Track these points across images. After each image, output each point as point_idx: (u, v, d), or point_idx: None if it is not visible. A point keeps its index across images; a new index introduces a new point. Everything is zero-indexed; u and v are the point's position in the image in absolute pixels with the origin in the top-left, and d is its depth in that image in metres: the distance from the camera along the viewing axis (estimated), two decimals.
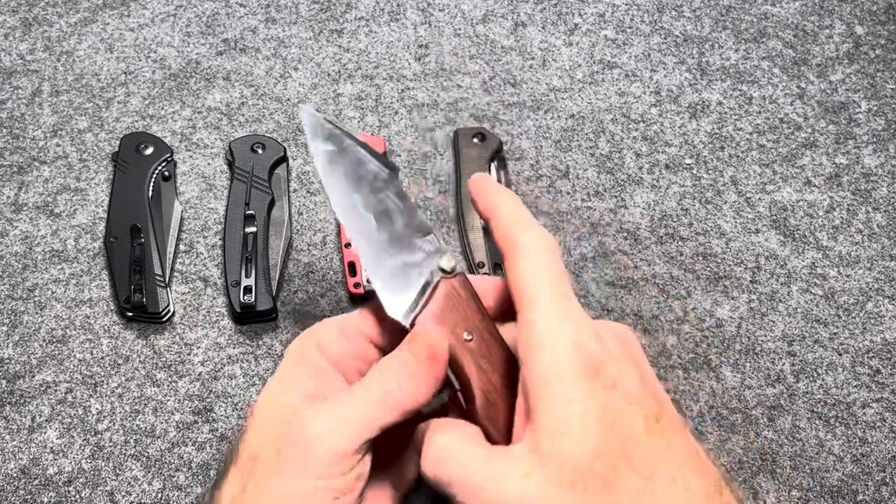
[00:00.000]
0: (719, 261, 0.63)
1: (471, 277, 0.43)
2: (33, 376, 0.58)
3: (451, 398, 0.44)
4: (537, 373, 0.36)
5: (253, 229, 0.62)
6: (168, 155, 0.65)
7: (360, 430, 0.38)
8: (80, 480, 0.54)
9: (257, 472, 0.38)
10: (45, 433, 0.56)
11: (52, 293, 0.61)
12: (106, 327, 0.60)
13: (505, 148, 0.68)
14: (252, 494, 0.38)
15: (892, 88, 0.72)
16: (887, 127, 0.70)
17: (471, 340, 0.41)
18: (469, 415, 0.40)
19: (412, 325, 0.41)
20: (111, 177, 0.65)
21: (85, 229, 0.64)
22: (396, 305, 0.41)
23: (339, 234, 0.63)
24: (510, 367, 0.41)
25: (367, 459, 0.39)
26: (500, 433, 0.39)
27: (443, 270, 0.42)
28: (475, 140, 0.66)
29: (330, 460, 0.37)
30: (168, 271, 0.61)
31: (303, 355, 0.42)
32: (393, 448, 0.44)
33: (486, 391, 0.40)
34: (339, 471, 0.37)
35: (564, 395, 0.35)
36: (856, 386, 0.59)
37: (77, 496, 0.54)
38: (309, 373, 0.41)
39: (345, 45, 0.73)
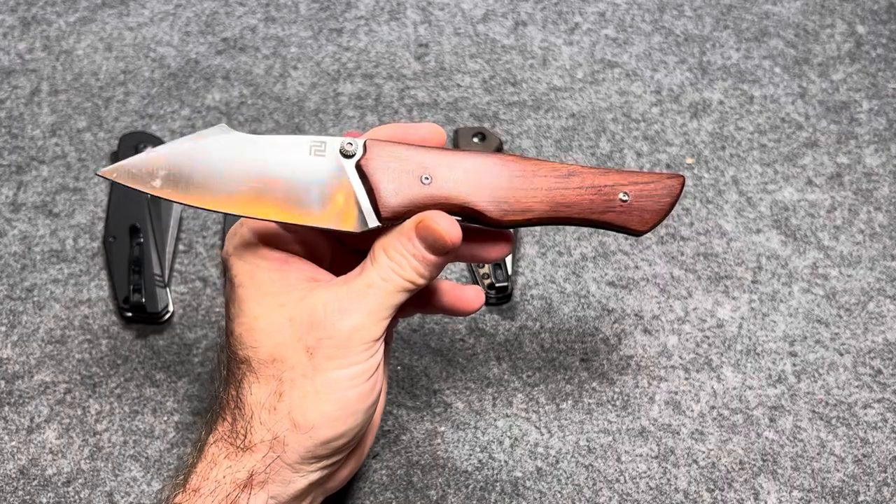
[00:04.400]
0: (720, 261, 0.63)
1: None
2: (32, 376, 0.58)
3: None
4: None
5: None
6: None
7: (385, 317, 0.42)
8: (79, 481, 0.54)
9: (289, 375, 0.42)
10: (43, 433, 0.56)
11: (51, 293, 0.61)
12: (105, 327, 0.60)
13: (505, 147, 0.68)
14: (293, 396, 0.41)
15: (893, 88, 0.72)
16: (889, 126, 0.70)
17: (430, 180, 0.42)
18: None
19: (382, 219, 0.42)
20: None
21: (84, 229, 0.63)
22: (356, 221, 0.42)
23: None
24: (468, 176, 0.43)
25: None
26: None
27: (349, 155, 0.42)
28: (475, 139, 0.66)
29: (365, 348, 0.42)
30: (167, 271, 0.61)
31: (252, 252, 0.43)
32: None
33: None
34: (372, 353, 0.42)
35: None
36: (857, 386, 0.58)
37: (76, 497, 0.54)
38: (273, 266, 0.43)
39: (344, 44, 0.73)
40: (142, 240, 0.61)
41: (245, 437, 0.42)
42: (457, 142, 0.67)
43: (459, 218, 0.43)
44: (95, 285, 0.61)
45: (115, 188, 0.63)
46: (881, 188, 0.67)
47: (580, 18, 0.75)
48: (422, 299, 0.47)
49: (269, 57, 0.72)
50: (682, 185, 0.45)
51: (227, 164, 0.41)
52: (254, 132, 0.68)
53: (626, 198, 0.44)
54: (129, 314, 0.59)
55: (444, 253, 0.42)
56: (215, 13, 0.75)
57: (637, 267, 0.63)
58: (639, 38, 0.74)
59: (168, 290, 0.60)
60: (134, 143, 0.65)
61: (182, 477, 0.43)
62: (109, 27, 0.73)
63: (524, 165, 0.43)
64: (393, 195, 0.42)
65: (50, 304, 0.60)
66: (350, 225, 0.42)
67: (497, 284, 0.60)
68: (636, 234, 0.45)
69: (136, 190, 0.41)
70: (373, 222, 0.42)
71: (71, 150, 0.67)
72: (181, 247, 0.63)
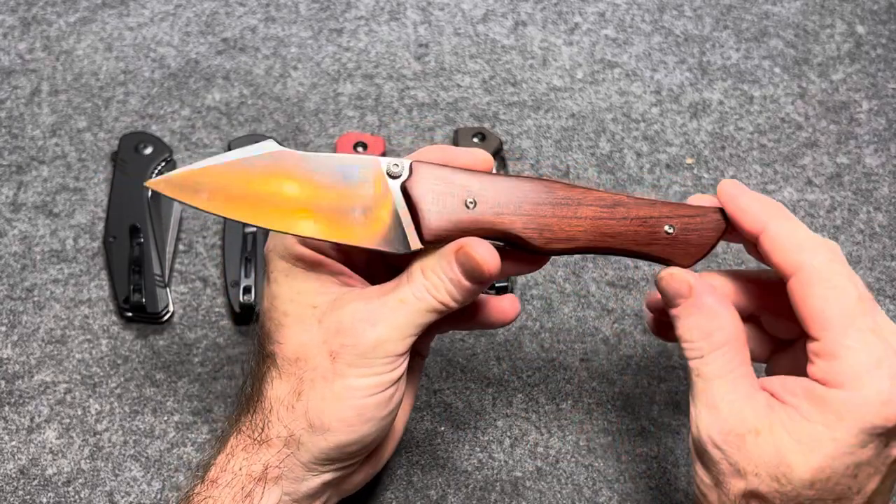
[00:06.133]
0: (720, 260, 0.63)
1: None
2: (32, 376, 0.58)
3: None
4: (837, 407, 0.38)
5: (253, 229, 0.61)
6: (167, 154, 0.65)
7: (412, 334, 0.42)
8: (80, 481, 0.54)
9: (310, 375, 0.42)
10: (44, 433, 0.56)
11: (51, 293, 0.61)
12: (105, 327, 0.60)
13: (505, 147, 0.68)
14: (311, 397, 0.42)
15: (893, 88, 0.72)
16: (888, 126, 0.70)
17: (474, 205, 0.42)
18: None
19: (425, 242, 0.42)
20: (110, 176, 0.65)
21: (84, 229, 0.63)
22: (398, 243, 0.42)
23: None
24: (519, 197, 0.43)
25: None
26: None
27: (395, 176, 0.42)
28: (475, 139, 0.66)
29: (387, 361, 0.42)
30: (167, 271, 0.61)
31: (291, 252, 0.44)
32: None
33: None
34: (394, 366, 0.42)
35: (840, 446, 0.38)
36: None
37: (76, 496, 0.54)
38: (309, 267, 0.44)
39: (344, 45, 0.73)
40: (142, 240, 0.61)
41: (263, 430, 0.42)
42: (457, 142, 0.67)
43: (502, 243, 0.43)
44: (95, 285, 0.61)
45: (115, 188, 0.64)
46: (881, 188, 0.67)
47: (580, 18, 0.75)
48: (458, 316, 0.47)
49: (269, 57, 0.72)
50: (727, 219, 0.44)
51: (273, 183, 0.42)
52: (254, 132, 0.68)
53: (671, 230, 0.43)
54: (129, 314, 0.59)
55: (480, 281, 0.42)
56: (215, 13, 0.75)
57: (637, 267, 0.63)
58: (639, 39, 0.74)
59: (168, 290, 0.60)
60: (134, 143, 0.65)
61: (202, 469, 0.44)
62: (109, 27, 0.73)
63: (570, 193, 0.43)
64: (436, 218, 0.42)
65: (50, 304, 0.60)
66: (392, 246, 0.42)
67: (497, 284, 0.60)
68: (679, 266, 0.44)
69: (184, 203, 0.42)
70: (415, 244, 0.42)
71: (71, 150, 0.67)
72: (181, 247, 0.63)
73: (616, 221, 0.43)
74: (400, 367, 0.43)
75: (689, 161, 0.68)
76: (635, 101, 0.71)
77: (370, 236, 0.42)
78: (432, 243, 0.42)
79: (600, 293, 0.62)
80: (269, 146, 0.42)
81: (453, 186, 0.42)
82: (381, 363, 0.42)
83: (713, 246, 0.44)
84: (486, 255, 0.41)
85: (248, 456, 0.42)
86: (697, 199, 0.45)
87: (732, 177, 0.67)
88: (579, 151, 0.68)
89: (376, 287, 0.44)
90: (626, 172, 0.67)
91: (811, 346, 0.40)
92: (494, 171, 0.65)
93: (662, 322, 0.49)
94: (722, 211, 0.44)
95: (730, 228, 0.44)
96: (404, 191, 0.42)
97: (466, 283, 0.42)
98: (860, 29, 0.75)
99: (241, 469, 0.42)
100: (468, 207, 0.42)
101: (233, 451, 0.43)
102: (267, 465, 0.42)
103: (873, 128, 0.70)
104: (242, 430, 0.43)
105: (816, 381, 0.39)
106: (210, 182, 0.42)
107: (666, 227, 0.43)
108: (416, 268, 0.43)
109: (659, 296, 0.46)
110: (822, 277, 0.40)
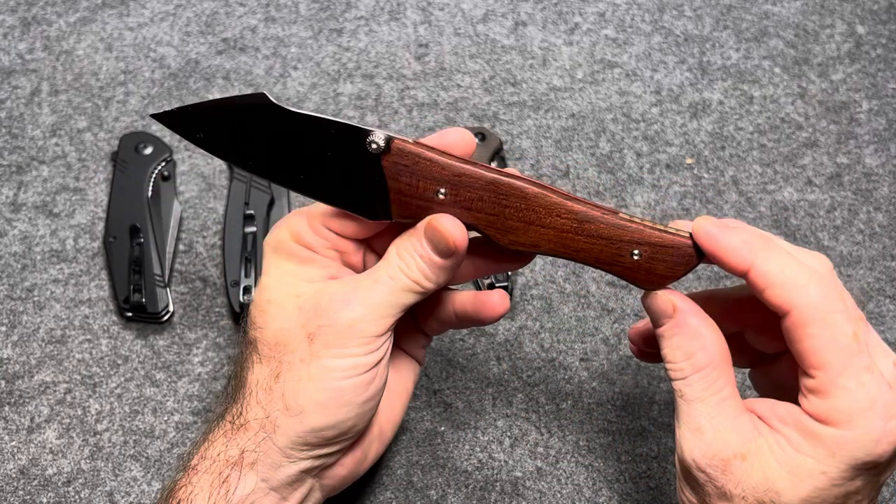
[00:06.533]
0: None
1: None
2: (32, 376, 0.58)
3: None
4: (828, 444, 0.38)
5: (252, 229, 0.61)
6: (167, 154, 0.65)
7: (389, 315, 0.43)
8: (80, 481, 0.54)
9: (288, 358, 0.43)
10: (44, 433, 0.56)
11: (51, 293, 0.61)
12: (105, 327, 0.60)
13: (505, 147, 0.68)
14: (288, 379, 0.43)
15: (893, 88, 0.72)
16: (888, 126, 0.70)
17: (445, 196, 0.42)
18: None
19: (393, 217, 0.43)
20: (110, 176, 0.65)
21: (84, 229, 0.63)
22: (370, 211, 0.43)
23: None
24: (494, 197, 0.42)
25: (392, 332, 0.44)
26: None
27: (373, 150, 0.42)
28: (476, 139, 0.66)
29: (363, 342, 0.42)
30: (167, 271, 0.61)
31: (284, 248, 0.45)
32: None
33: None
34: (371, 349, 0.43)
35: (830, 479, 0.39)
36: None
37: (76, 497, 0.54)
38: (298, 261, 0.45)
39: (344, 45, 0.73)
40: (142, 240, 0.61)
41: (241, 414, 0.43)
42: None
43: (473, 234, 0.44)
44: (95, 285, 0.61)
45: (115, 188, 0.64)
46: (881, 188, 0.67)
47: (580, 18, 0.75)
48: (447, 312, 0.48)
49: (269, 57, 0.72)
50: (700, 253, 0.42)
51: (262, 135, 0.43)
52: None
53: (637, 256, 0.42)
54: (129, 314, 0.59)
55: (448, 255, 0.42)
56: (215, 13, 0.75)
57: None
58: (639, 39, 0.74)
59: (168, 290, 0.60)
60: (134, 143, 0.65)
61: (185, 458, 0.44)
62: (109, 27, 0.73)
63: (543, 201, 0.42)
64: (406, 199, 0.43)
65: (50, 304, 0.60)
66: (364, 213, 0.43)
67: (497, 284, 0.60)
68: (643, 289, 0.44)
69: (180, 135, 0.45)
70: (384, 217, 0.43)
71: (71, 150, 0.67)
72: (181, 247, 0.63)
73: (582, 237, 0.42)
74: (378, 350, 0.43)
75: (689, 161, 0.68)
76: (635, 101, 0.71)
77: (345, 200, 0.43)
78: (401, 219, 0.43)
79: (600, 293, 0.62)
80: (261, 98, 0.43)
81: (428, 172, 0.42)
82: (357, 343, 0.42)
83: (679, 278, 0.43)
84: (453, 228, 0.42)
85: (227, 441, 0.43)
86: (677, 225, 0.44)
87: (733, 177, 0.67)
88: (579, 151, 0.68)
89: (357, 274, 0.45)
90: (626, 172, 0.67)
91: (805, 381, 0.39)
92: (495, 164, 0.65)
93: (645, 351, 0.49)
94: (695, 245, 0.42)
95: (703, 260, 0.42)
96: (380, 165, 0.42)
97: (437, 259, 0.42)
98: (860, 29, 0.75)
99: (219, 455, 0.43)
100: (438, 197, 0.42)
101: (213, 438, 0.43)
102: (243, 450, 0.42)
103: (873, 128, 0.70)
104: (225, 417, 0.44)
105: (808, 414, 0.39)
106: (206, 125, 0.43)
107: (633, 252, 0.42)
108: (392, 249, 0.44)
109: (642, 326, 0.45)
110: (817, 317, 0.39)
